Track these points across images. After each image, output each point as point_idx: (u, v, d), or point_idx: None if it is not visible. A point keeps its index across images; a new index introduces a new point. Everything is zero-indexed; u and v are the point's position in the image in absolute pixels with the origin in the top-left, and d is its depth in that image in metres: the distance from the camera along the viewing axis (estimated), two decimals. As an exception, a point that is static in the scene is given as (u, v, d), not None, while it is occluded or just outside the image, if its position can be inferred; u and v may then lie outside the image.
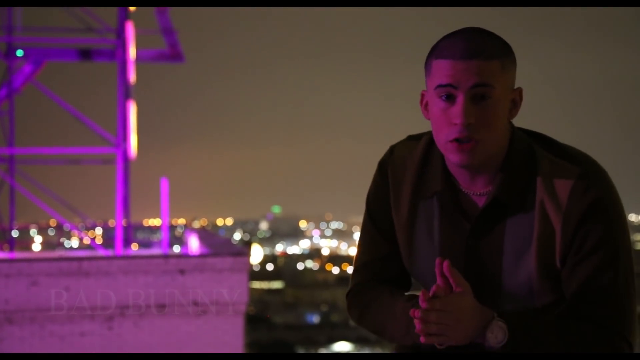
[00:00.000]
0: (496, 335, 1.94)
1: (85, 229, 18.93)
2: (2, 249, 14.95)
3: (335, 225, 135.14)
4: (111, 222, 18.84)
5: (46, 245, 20.83)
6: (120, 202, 14.33)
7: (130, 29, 14.54)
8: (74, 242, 21.50)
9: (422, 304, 1.91)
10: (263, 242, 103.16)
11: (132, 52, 14.53)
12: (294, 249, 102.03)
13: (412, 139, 2.20)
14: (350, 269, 2.32)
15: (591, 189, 1.99)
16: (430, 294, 1.93)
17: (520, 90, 2.05)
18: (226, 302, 10.97)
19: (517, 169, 2.04)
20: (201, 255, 11.35)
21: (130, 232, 15.04)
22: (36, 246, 20.18)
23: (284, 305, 64.24)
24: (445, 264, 1.94)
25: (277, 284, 71.90)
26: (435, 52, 2.01)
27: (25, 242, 19.99)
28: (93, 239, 16.95)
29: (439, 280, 1.94)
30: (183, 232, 19.87)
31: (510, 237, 2.04)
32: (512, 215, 2.04)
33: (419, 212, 2.14)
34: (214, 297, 10.94)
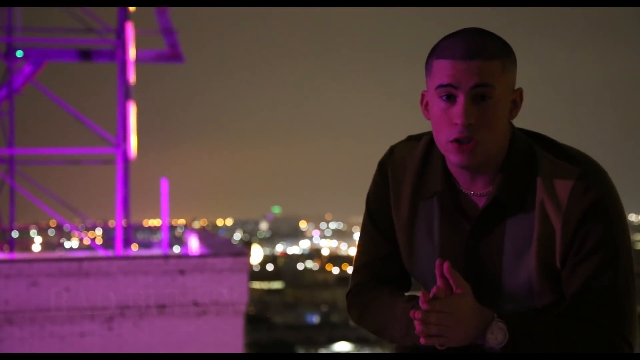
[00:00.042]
0: (496, 336, 1.94)
1: (85, 230, 18.93)
2: (2, 249, 14.95)
3: (335, 225, 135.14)
4: (111, 223, 18.85)
5: (46, 245, 20.83)
6: (120, 202, 14.33)
7: (130, 30, 14.54)
8: (74, 243, 21.50)
9: (423, 305, 1.91)
10: (263, 242, 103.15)
11: (132, 52, 14.53)
12: (294, 249, 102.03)
13: (412, 139, 2.20)
14: (350, 269, 2.32)
15: (591, 189, 1.99)
16: (431, 295, 1.92)
17: (520, 90, 2.05)
18: (226, 302, 10.97)
19: (517, 170, 2.04)
20: (201, 256, 11.35)
21: (130, 233, 15.04)
22: (36, 247, 20.18)
23: (284, 305, 64.24)
24: (446, 265, 1.94)
25: (277, 284, 71.90)
26: (436, 52, 2.01)
27: (25, 242, 19.99)
28: (93, 240, 16.95)
29: (439, 282, 1.94)
30: (183, 233, 19.87)
31: (511, 238, 2.04)
32: (512, 216, 2.04)
33: (419, 213, 2.14)
34: (214, 297, 10.94)
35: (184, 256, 11.94)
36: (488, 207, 2.05)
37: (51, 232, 24.01)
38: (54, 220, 16.41)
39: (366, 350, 50.14)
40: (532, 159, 2.05)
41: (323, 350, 51.01)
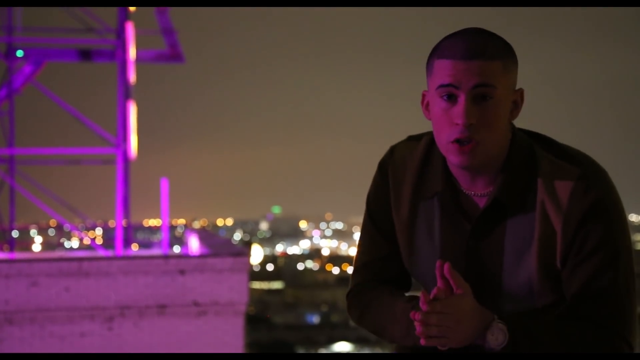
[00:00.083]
0: (496, 336, 1.94)
1: (86, 230, 18.93)
2: (2, 249, 14.95)
3: (335, 225, 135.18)
4: (111, 223, 18.85)
5: (46, 245, 20.83)
6: (120, 202, 14.33)
7: (130, 30, 14.54)
8: (74, 243, 21.50)
9: (423, 306, 1.91)
10: (263, 242, 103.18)
11: (132, 52, 14.53)
12: (294, 249, 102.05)
13: (413, 139, 2.20)
14: (350, 269, 2.32)
15: (591, 190, 1.99)
16: (431, 296, 1.92)
17: (521, 91, 2.05)
18: (226, 302, 10.97)
19: (517, 170, 2.04)
20: (201, 256, 11.35)
21: (130, 233, 15.04)
22: (36, 247, 20.18)
23: (284, 305, 64.26)
24: (446, 266, 1.94)
25: (277, 284, 71.92)
26: (437, 52, 2.01)
27: (25, 242, 19.98)
28: (93, 240, 16.95)
29: (439, 283, 1.94)
30: (183, 233, 19.87)
31: (511, 238, 2.04)
32: (512, 216, 2.04)
33: (419, 213, 2.14)
34: (214, 297, 10.94)
35: (184, 256, 11.94)
36: (489, 208, 2.05)
37: (51, 232, 24.00)
38: (54, 220, 16.43)
39: (366, 351, 50.16)
40: (532, 160, 2.05)
41: (323, 350, 51.02)
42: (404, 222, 2.16)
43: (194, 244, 14.22)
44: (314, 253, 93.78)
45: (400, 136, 2.23)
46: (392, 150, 2.21)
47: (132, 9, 14.81)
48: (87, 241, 16.71)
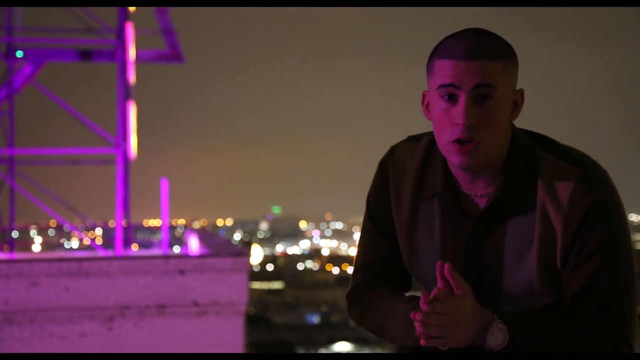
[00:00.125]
0: (496, 337, 1.94)
1: (85, 230, 18.93)
2: (2, 249, 14.94)
3: (335, 225, 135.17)
4: (111, 223, 18.85)
5: (46, 245, 20.83)
6: (120, 202, 14.33)
7: (130, 30, 14.55)
8: (74, 243, 21.49)
9: (423, 306, 1.91)
10: (263, 242, 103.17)
11: (132, 52, 14.53)
12: (294, 250, 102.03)
13: (413, 139, 2.20)
14: (350, 270, 2.32)
15: (592, 191, 1.99)
16: (431, 296, 1.92)
17: (522, 91, 2.05)
18: (226, 302, 10.97)
19: (518, 170, 2.04)
20: (201, 256, 11.35)
21: (130, 233, 15.05)
22: (36, 247, 20.17)
23: (284, 305, 64.25)
24: (446, 266, 1.94)
25: (277, 285, 71.91)
26: (438, 52, 2.01)
27: (25, 242, 19.98)
28: (93, 240, 16.95)
29: (439, 283, 1.94)
30: (183, 233, 19.87)
31: (511, 238, 2.04)
32: (513, 217, 2.04)
33: (419, 213, 2.14)
34: (214, 297, 10.94)
35: (184, 256, 11.94)
36: (489, 208, 2.04)
37: (51, 232, 24.00)
38: (54, 220, 16.43)
39: (366, 351, 50.16)
40: (533, 160, 2.05)
41: (323, 351, 51.01)
42: (404, 222, 2.15)
43: (194, 244, 14.22)
44: (314, 253, 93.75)
45: (400, 136, 2.23)
46: (393, 150, 2.21)
47: (132, 9, 14.81)
48: (87, 241, 16.71)
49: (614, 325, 1.98)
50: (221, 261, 11.01)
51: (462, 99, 1.96)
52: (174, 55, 15.32)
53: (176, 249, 16.53)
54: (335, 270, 76.36)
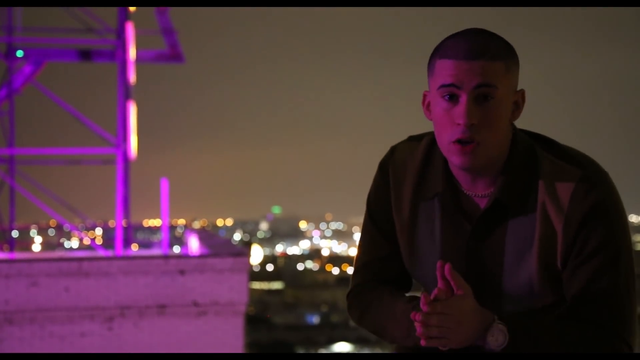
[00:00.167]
0: (497, 337, 1.94)
1: (85, 230, 18.93)
2: (2, 249, 14.95)
3: (335, 225, 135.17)
4: (111, 223, 18.85)
5: (46, 245, 20.82)
6: (120, 202, 14.33)
7: (130, 30, 14.54)
8: (74, 243, 21.49)
9: (423, 307, 1.91)
10: (263, 242, 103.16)
11: (132, 52, 14.53)
12: (294, 250, 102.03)
13: (413, 139, 2.20)
14: (350, 270, 2.32)
15: (592, 192, 1.99)
16: (432, 297, 1.92)
17: (522, 92, 2.05)
18: (226, 302, 10.97)
19: (518, 171, 2.04)
20: (201, 256, 11.35)
21: (130, 233, 15.04)
22: (36, 247, 20.17)
23: (284, 305, 64.25)
24: (447, 267, 1.94)
25: (277, 285, 71.91)
26: (439, 52, 2.00)
27: (25, 242, 19.98)
28: (93, 240, 16.95)
29: (440, 283, 1.94)
30: (183, 233, 19.86)
31: (512, 239, 2.04)
32: (513, 217, 2.04)
33: (420, 213, 2.14)
34: (214, 297, 10.94)
35: (184, 256, 11.94)
36: (489, 208, 2.04)
37: (51, 232, 23.99)
38: (54, 220, 16.43)
39: (366, 351, 50.16)
40: (533, 160, 2.05)
41: (323, 351, 51.01)
42: (405, 222, 2.15)
43: (194, 244, 14.22)
44: (314, 253, 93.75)
45: (401, 136, 2.23)
46: (393, 150, 2.20)
47: (132, 9, 14.81)
48: (87, 241, 16.71)
49: (614, 325, 1.98)
50: (221, 261, 11.01)
51: (463, 99, 1.96)
52: (174, 55, 15.31)
53: (176, 249, 16.53)
54: (335, 271, 76.36)
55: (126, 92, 14.53)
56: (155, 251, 15.64)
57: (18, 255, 14.47)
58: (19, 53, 14.84)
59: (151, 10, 15.35)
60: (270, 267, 78.65)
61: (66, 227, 16.70)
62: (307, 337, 52.82)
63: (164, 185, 13.13)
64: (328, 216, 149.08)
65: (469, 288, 1.95)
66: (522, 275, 2.03)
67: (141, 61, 15.29)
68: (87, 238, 16.79)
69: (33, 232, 23.09)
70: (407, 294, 2.16)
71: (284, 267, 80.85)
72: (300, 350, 49.29)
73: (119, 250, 13.88)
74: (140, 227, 22.02)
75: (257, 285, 68.10)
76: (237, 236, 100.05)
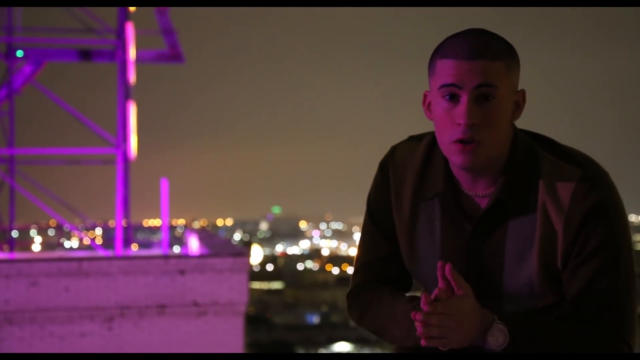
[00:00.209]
0: (497, 338, 1.94)
1: (85, 230, 18.93)
2: (2, 249, 14.94)
3: (335, 225, 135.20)
4: (111, 223, 18.85)
5: (46, 245, 20.83)
6: (120, 202, 14.33)
7: (130, 30, 14.54)
8: (74, 243, 21.49)
9: (424, 307, 1.90)
10: (263, 242, 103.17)
11: (132, 52, 14.53)
12: (293, 250, 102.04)
13: (414, 139, 2.20)
14: (350, 270, 2.32)
15: (593, 192, 1.99)
16: (432, 297, 1.92)
17: (523, 92, 2.05)
18: (226, 302, 10.97)
19: (519, 171, 2.04)
20: (201, 256, 11.35)
21: (130, 233, 15.05)
22: (36, 247, 20.18)
23: (284, 305, 64.25)
24: (447, 267, 1.94)
25: (277, 285, 71.92)
26: (440, 52, 2.01)
27: (25, 242, 19.99)
28: (93, 240, 16.95)
29: (440, 283, 1.94)
30: (183, 233, 19.86)
31: (512, 239, 2.04)
32: (514, 217, 2.04)
33: (420, 213, 2.14)
34: (214, 297, 10.94)
35: (184, 256, 11.94)
36: (490, 208, 2.04)
37: (51, 232, 24.00)
38: (54, 220, 16.43)
39: (366, 351, 50.16)
40: (534, 160, 2.05)
41: (323, 351, 51.01)
42: (405, 222, 2.15)
43: (194, 244, 14.22)
44: (314, 253, 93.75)
45: (401, 136, 2.23)
46: (393, 150, 2.20)
47: (132, 9, 14.81)
48: (87, 241, 16.71)
49: (614, 325, 1.98)
50: (221, 261, 11.01)
51: (464, 98, 1.96)
52: (174, 55, 15.31)
53: (176, 249, 16.53)
54: (335, 271, 76.37)
55: (126, 92, 14.53)
56: (155, 251, 15.64)
57: (18, 255, 14.47)
58: (19, 53, 14.84)
59: (151, 10, 15.35)
60: (270, 267, 78.66)
61: (66, 227, 16.70)
62: (307, 337, 52.82)
63: (164, 185, 13.13)
64: (328, 216, 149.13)
65: (469, 288, 1.95)
66: (523, 275, 2.03)
67: (141, 61, 15.30)
68: (87, 238, 16.79)
69: (33, 232, 23.11)
70: (407, 294, 2.16)
71: (284, 267, 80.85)
72: (300, 350, 49.30)
73: (119, 250, 13.88)
74: (140, 227, 22.04)
75: (257, 285, 68.11)
76: (237, 236, 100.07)
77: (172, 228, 21.65)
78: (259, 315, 56.49)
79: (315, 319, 59.86)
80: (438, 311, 1.90)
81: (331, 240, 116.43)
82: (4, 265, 10.64)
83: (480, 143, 1.96)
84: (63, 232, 20.92)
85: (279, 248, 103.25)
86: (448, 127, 1.98)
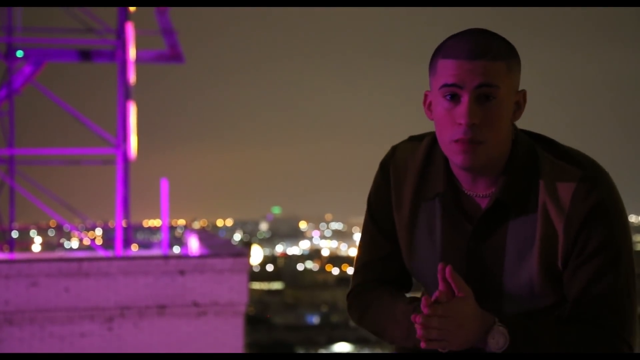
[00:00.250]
0: (497, 340, 1.94)
1: (85, 230, 18.93)
2: (2, 249, 14.94)
3: (335, 226, 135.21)
4: (111, 223, 18.86)
5: (46, 246, 20.82)
6: (120, 202, 14.33)
7: (130, 30, 14.54)
8: (74, 243, 21.49)
9: (424, 309, 1.90)
10: (263, 242, 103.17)
11: (132, 52, 14.53)
12: (293, 250, 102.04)
13: (414, 139, 2.20)
14: (350, 270, 2.32)
15: (593, 192, 1.99)
16: (432, 299, 1.92)
17: (524, 92, 2.05)
18: (226, 302, 10.97)
19: (520, 171, 2.04)
20: (201, 256, 11.35)
21: (130, 233, 15.04)
22: (36, 247, 20.17)
23: (284, 305, 64.25)
24: (448, 269, 1.93)
25: (277, 285, 71.91)
26: (441, 51, 2.00)
27: (25, 242, 19.98)
28: (93, 240, 16.95)
29: (441, 286, 1.93)
30: (183, 233, 19.86)
31: (513, 239, 2.04)
32: (514, 217, 2.04)
33: (420, 213, 2.14)
34: (214, 297, 10.94)
35: (183, 257, 11.94)
36: (490, 209, 2.04)
37: (51, 232, 23.99)
38: (54, 220, 16.42)
39: (366, 351, 50.16)
40: (534, 161, 2.05)
41: (323, 351, 51.01)
42: (405, 222, 2.15)
43: (194, 245, 14.22)
44: (314, 254, 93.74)
45: (401, 136, 2.23)
46: (394, 150, 2.20)
47: (132, 9, 14.81)
48: (87, 241, 16.71)
49: (614, 325, 1.98)
50: (221, 261, 11.01)
51: (465, 98, 1.95)
52: (174, 55, 15.31)
53: (176, 249, 16.53)
54: (335, 271, 76.36)
55: (126, 92, 14.53)
56: (155, 251, 15.63)
57: (18, 255, 14.47)
58: (19, 53, 14.84)
59: (151, 11, 15.35)
60: (270, 268, 78.65)
61: (66, 227, 16.70)
62: (307, 337, 52.83)
63: (164, 185, 13.13)
64: (328, 216, 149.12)
65: (470, 290, 1.95)
66: (523, 275, 2.03)
67: (141, 61, 15.30)
68: (87, 238, 16.79)
69: (33, 233, 23.10)
70: (407, 294, 2.16)
71: (284, 267, 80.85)
72: (300, 351, 49.29)
73: (119, 251, 13.88)
74: (140, 228, 22.04)
75: (257, 285, 68.11)
76: (237, 236, 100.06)
77: (172, 228, 21.64)
78: (259, 315, 56.49)
79: (315, 320, 59.86)
80: (438, 314, 1.90)
81: (331, 241, 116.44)
82: (4, 265, 10.64)
83: (481, 143, 1.96)
84: (63, 233, 20.92)
85: (279, 248, 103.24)
86: (449, 127, 1.98)
